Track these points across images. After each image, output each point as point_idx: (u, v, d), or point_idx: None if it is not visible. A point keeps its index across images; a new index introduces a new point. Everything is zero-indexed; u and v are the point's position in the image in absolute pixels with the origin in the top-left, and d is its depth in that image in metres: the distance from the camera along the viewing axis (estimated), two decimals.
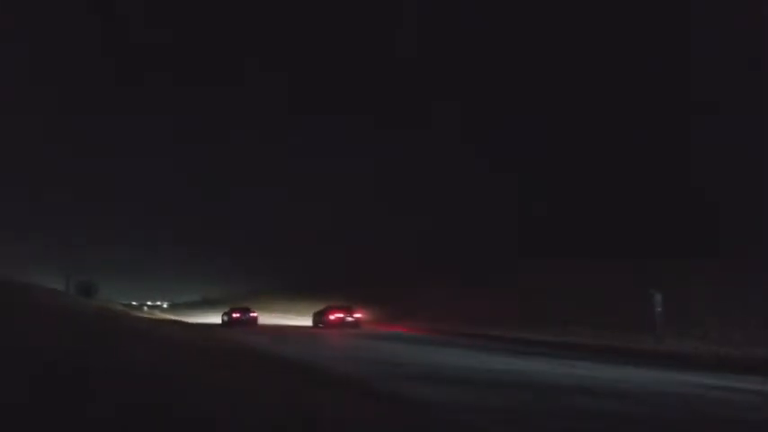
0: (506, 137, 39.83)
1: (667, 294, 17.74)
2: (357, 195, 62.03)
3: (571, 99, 34.50)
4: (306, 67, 66.36)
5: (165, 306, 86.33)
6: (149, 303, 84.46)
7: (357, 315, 29.89)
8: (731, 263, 20.14)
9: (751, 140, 24.68)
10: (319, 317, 30.89)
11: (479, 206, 41.34)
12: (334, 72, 60.74)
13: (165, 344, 9.96)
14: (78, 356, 6.02)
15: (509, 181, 37.57)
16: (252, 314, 33.47)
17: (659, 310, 17.48)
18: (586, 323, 21.10)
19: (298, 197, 71.18)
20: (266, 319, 39.07)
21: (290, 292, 53.31)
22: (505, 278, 31.99)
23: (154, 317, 38.19)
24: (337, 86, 59.46)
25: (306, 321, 34.04)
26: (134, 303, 72.66)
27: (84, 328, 9.88)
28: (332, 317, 29.42)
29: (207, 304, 67.30)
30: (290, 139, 70.45)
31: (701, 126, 27.38)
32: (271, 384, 7.48)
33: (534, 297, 27.63)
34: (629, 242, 26.08)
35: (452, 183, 46.90)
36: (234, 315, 32.88)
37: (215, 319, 39.35)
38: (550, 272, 28.88)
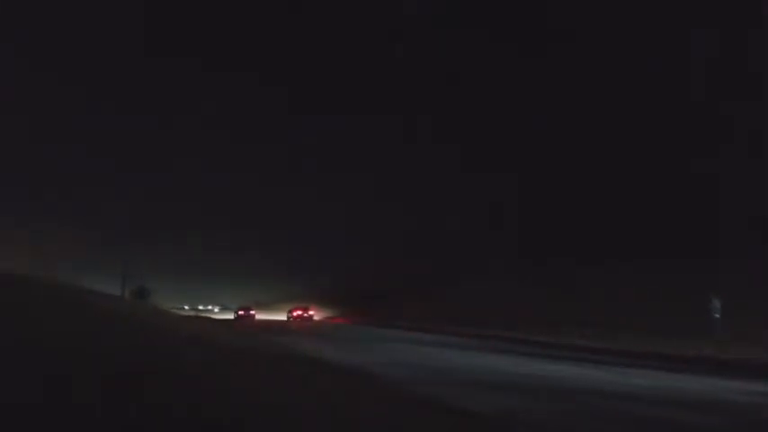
0: (508, 136, 41.41)
1: (725, 298, 17.14)
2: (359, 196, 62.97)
3: (571, 99, 35.74)
4: (305, 68, 67.37)
5: (216, 310, 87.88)
6: (200, 307, 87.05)
7: (311, 312, 43.89)
8: None
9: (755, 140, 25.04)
10: (288, 313, 44.43)
11: (478, 208, 43.06)
12: (334, 72, 61.71)
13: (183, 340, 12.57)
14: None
15: (509, 181, 39.14)
16: (251, 312, 46.32)
17: (717, 316, 16.92)
18: (608, 326, 20.29)
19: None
20: (266, 315, 50.68)
21: (301, 295, 58.69)
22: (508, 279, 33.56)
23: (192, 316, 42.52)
24: (338, 86, 60.37)
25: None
26: (186, 307, 75.59)
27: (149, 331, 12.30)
28: (294, 313, 43.49)
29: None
30: (290, 139, 69.66)
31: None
32: None
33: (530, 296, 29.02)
34: (676, 243, 25.37)
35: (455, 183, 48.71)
36: (240, 312, 46.02)
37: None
38: (550, 271, 29.91)
